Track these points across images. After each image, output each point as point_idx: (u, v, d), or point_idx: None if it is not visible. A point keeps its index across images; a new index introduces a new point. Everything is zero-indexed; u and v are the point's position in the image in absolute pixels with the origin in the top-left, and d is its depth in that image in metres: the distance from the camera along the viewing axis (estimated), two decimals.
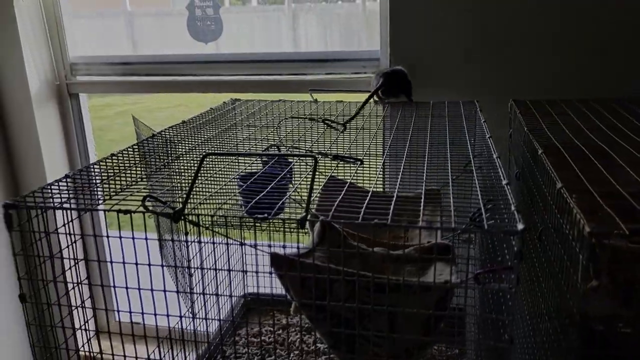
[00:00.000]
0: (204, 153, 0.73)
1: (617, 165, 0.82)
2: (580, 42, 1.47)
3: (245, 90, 1.82)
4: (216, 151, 1.03)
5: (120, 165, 0.91)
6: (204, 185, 0.86)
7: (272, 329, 1.36)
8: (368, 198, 0.78)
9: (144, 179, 0.87)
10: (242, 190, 1.04)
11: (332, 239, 0.83)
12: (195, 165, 0.71)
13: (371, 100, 1.43)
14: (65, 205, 0.70)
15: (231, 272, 1.09)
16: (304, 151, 1.03)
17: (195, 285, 1.06)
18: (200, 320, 0.96)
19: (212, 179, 0.91)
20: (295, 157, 1.08)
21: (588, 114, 1.17)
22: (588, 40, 1.46)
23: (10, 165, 1.97)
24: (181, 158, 0.97)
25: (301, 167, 1.23)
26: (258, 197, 0.79)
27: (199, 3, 1.80)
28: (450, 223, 0.69)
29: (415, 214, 0.80)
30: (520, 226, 0.59)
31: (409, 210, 0.81)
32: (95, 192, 0.79)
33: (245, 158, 1.13)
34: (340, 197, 0.80)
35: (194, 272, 1.04)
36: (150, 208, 0.69)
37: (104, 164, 0.89)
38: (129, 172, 0.89)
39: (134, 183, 0.84)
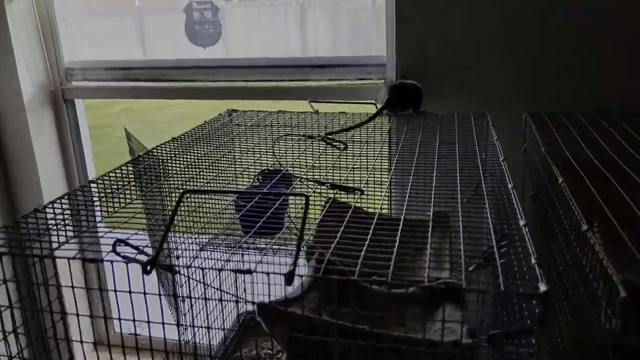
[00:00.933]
0: (182, 190, 0.65)
1: (637, 185, 0.78)
2: (598, 51, 1.38)
3: (245, 97, 1.74)
4: (200, 181, 0.94)
5: (101, 192, 0.84)
6: (188, 218, 0.78)
7: (270, 351, 1.29)
8: (372, 227, 0.75)
9: (122, 210, 0.80)
10: (238, 211, 0.97)
11: (325, 285, 0.75)
12: (180, 195, 0.64)
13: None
14: (27, 251, 0.63)
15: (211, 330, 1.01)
16: (300, 176, 0.95)
17: (184, 315, 0.99)
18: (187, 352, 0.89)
19: (197, 211, 0.84)
20: (289, 185, 1.00)
21: (607, 126, 1.12)
22: (606, 50, 1.37)
23: (4, 173, 1.90)
24: (164, 187, 0.89)
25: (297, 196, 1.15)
26: (258, 224, 0.75)
27: (197, 6, 1.71)
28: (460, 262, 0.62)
29: (423, 242, 0.74)
30: (542, 287, 0.51)
31: (417, 237, 0.77)
32: (66, 228, 0.71)
33: (242, 176, 1.05)
34: (341, 229, 0.74)
35: (184, 302, 0.97)
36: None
37: (81, 193, 0.81)
38: (109, 200, 0.82)
39: (109, 215, 0.76)
